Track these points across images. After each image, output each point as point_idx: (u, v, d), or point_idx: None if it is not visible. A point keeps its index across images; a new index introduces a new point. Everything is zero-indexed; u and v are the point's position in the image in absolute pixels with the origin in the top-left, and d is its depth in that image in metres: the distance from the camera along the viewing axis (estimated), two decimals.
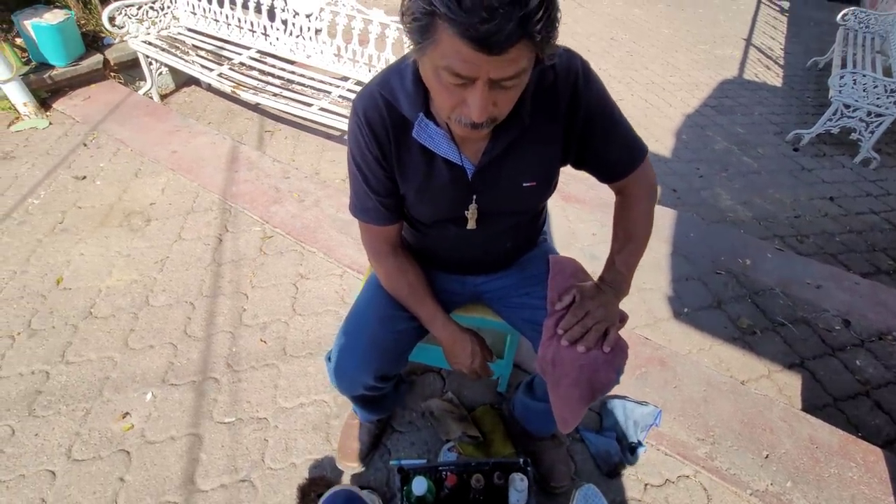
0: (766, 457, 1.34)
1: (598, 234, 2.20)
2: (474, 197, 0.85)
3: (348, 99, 2.61)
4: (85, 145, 2.42)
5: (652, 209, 0.95)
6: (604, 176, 0.90)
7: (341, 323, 1.00)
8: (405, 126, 0.78)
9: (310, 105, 2.49)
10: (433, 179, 0.83)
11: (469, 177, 0.82)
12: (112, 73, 2.97)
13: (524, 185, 0.84)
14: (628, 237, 0.93)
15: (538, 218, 1.07)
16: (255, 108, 3.05)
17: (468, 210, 0.87)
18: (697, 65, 4.59)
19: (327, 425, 1.38)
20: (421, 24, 0.57)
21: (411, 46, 0.63)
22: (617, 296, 0.90)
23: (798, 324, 1.96)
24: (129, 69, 3.05)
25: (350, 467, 1.27)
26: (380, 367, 0.95)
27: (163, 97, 3.12)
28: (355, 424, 1.29)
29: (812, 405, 1.67)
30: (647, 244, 0.95)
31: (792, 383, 1.74)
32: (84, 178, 2.23)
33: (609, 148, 0.85)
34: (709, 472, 1.31)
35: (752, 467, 1.32)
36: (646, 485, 1.30)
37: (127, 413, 1.38)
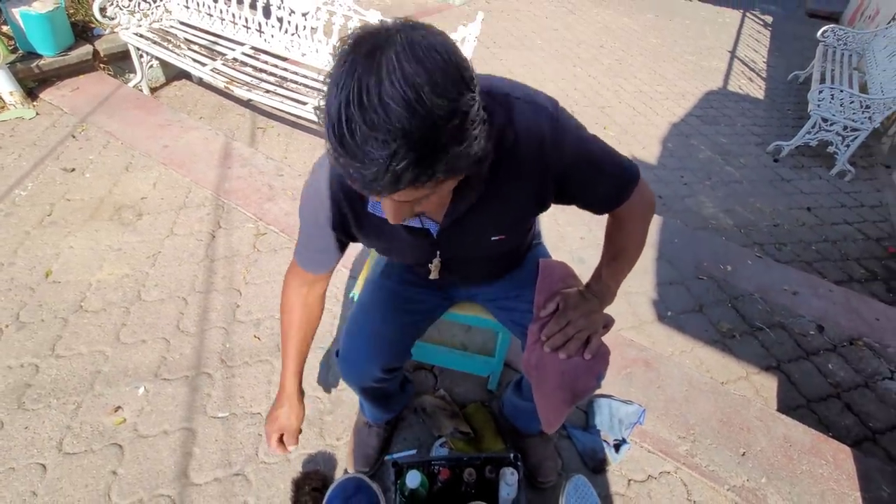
0: (743, 454, 1.40)
1: (586, 238, 2.25)
2: (438, 252, 0.85)
3: None
4: (73, 137, 2.39)
5: (646, 227, 0.92)
6: (596, 211, 0.86)
7: (347, 319, 1.03)
8: (361, 198, 0.76)
9: (304, 103, 2.50)
10: (395, 240, 0.82)
11: (434, 236, 0.80)
12: (101, 65, 2.93)
13: (492, 238, 0.83)
14: (619, 252, 0.92)
15: (521, 246, 1.05)
16: (247, 104, 3.04)
17: (431, 263, 0.88)
18: (684, 75, 4.71)
19: (321, 421, 1.40)
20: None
21: None
22: (601, 305, 0.91)
23: (775, 328, 2.04)
24: (119, 61, 3.01)
25: (362, 472, 1.27)
26: (386, 359, 0.99)
27: (153, 90, 3.09)
28: (365, 430, 1.32)
29: (787, 406, 1.75)
30: (638, 258, 0.95)
31: (768, 385, 1.81)
32: (73, 170, 2.20)
33: (595, 189, 0.81)
34: (689, 468, 1.36)
35: (729, 464, 1.38)
36: (629, 480, 1.35)
37: (119, 407, 1.38)
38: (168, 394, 1.42)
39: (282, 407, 0.96)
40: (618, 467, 1.36)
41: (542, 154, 0.70)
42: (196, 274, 1.79)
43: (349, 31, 0.53)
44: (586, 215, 2.37)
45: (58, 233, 1.88)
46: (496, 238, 0.83)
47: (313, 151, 2.70)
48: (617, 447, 1.39)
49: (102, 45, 2.90)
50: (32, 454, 1.26)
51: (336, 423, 1.40)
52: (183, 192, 2.15)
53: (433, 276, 0.89)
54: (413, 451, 1.33)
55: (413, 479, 1.05)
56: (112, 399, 1.39)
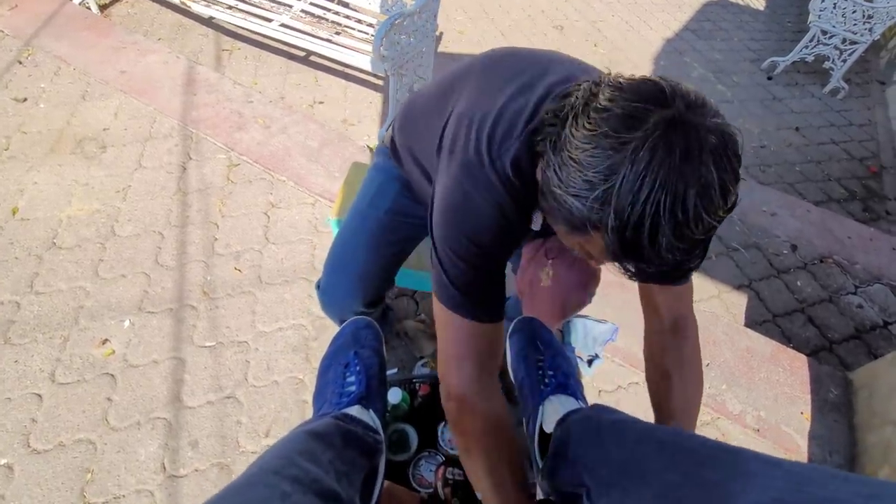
0: (707, 365, 1.50)
1: None
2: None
3: (312, 14, 2.42)
4: (20, 63, 2.20)
5: (698, 357, 0.77)
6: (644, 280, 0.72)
7: (327, 253, 1.02)
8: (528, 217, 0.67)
9: (270, 20, 2.30)
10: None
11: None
12: None
13: None
14: (692, 378, 0.75)
15: None
16: (210, 22, 2.79)
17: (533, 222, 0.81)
18: None
19: (307, 346, 1.45)
20: (575, 227, 0.49)
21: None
22: None
23: (750, 248, 2.09)
24: None
25: None
26: (368, 293, 0.99)
27: (102, 8, 2.80)
28: None
29: (753, 321, 1.84)
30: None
31: (738, 302, 1.90)
32: (25, 100, 2.05)
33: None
34: None
35: None
36: (600, 391, 1.44)
37: (106, 339, 1.40)
38: (154, 326, 1.45)
39: None
40: (590, 380, 1.45)
41: None
42: (170, 208, 1.75)
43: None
44: None
45: (19, 168, 1.79)
46: None
47: (284, 76, 2.54)
48: (589, 362, 1.47)
49: None
50: (26, 385, 1.30)
51: (321, 349, 1.45)
52: (147, 122, 2.03)
53: (535, 226, 0.77)
54: (395, 371, 1.40)
55: (394, 395, 1.11)
56: (98, 332, 1.42)
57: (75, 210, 1.70)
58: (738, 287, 1.94)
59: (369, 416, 0.75)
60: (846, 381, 1.52)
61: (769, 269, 2.04)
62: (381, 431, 0.73)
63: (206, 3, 2.34)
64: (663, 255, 0.44)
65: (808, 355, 1.60)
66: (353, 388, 0.78)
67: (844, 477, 0.35)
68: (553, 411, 0.71)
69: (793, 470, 0.38)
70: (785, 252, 2.11)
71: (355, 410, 0.74)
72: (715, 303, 1.87)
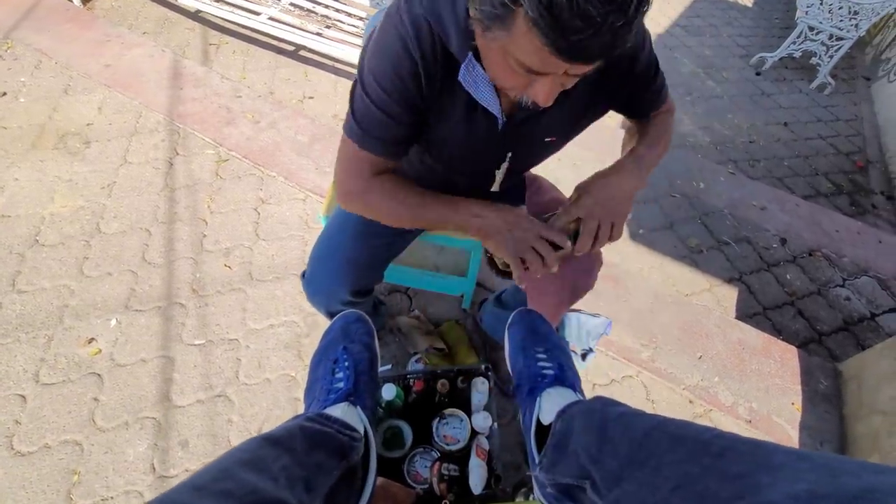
0: (700, 357, 1.51)
1: (562, 159, 2.21)
2: (508, 155, 0.79)
3: (301, 7, 2.39)
4: None
5: (671, 127, 0.90)
6: (637, 114, 0.87)
7: (314, 242, 1.00)
8: (451, 64, 0.66)
9: (258, 14, 2.26)
10: (470, 128, 0.74)
11: (499, 128, 0.74)
12: None
13: (545, 139, 0.79)
14: (654, 140, 0.85)
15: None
16: (196, 16, 2.74)
17: (499, 169, 0.82)
18: None
19: (299, 343, 1.43)
20: (496, 14, 0.49)
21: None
22: (636, 178, 0.78)
23: (741, 242, 2.11)
24: None
25: None
26: (355, 280, 0.96)
27: (85, 1, 2.73)
28: None
29: (744, 314, 1.85)
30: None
31: (729, 295, 1.91)
32: (4, 94, 2.00)
33: (644, 97, 0.81)
34: (649, 371, 1.46)
35: (686, 367, 1.48)
36: (594, 384, 1.45)
37: (92, 339, 1.37)
38: (141, 324, 1.42)
39: (491, 218, 0.75)
40: (583, 373, 1.45)
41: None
42: (157, 204, 1.72)
43: None
44: (573, 154, 2.32)
45: None
46: (548, 139, 0.79)
47: (274, 70, 2.50)
48: (584, 356, 1.47)
49: None
50: (9, 386, 1.26)
51: (313, 345, 1.41)
52: (133, 117, 1.99)
53: (495, 187, 0.84)
54: (389, 367, 1.38)
55: (388, 391, 1.10)
56: (84, 331, 1.38)
57: (58, 207, 1.66)
58: (730, 280, 1.96)
59: (355, 413, 0.74)
60: (836, 372, 1.53)
61: (759, 262, 2.05)
62: (361, 428, 0.72)
63: None
64: (583, 7, 0.44)
65: (798, 347, 1.61)
66: (341, 384, 0.77)
67: (875, 468, 0.35)
68: (551, 403, 0.71)
69: (822, 462, 0.37)
70: (775, 246, 2.13)
71: (340, 408, 0.73)
72: (706, 296, 1.88)
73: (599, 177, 0.77)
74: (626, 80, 0.75)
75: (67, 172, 1.76)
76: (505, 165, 0.81)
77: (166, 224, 1.66)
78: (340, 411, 0.71)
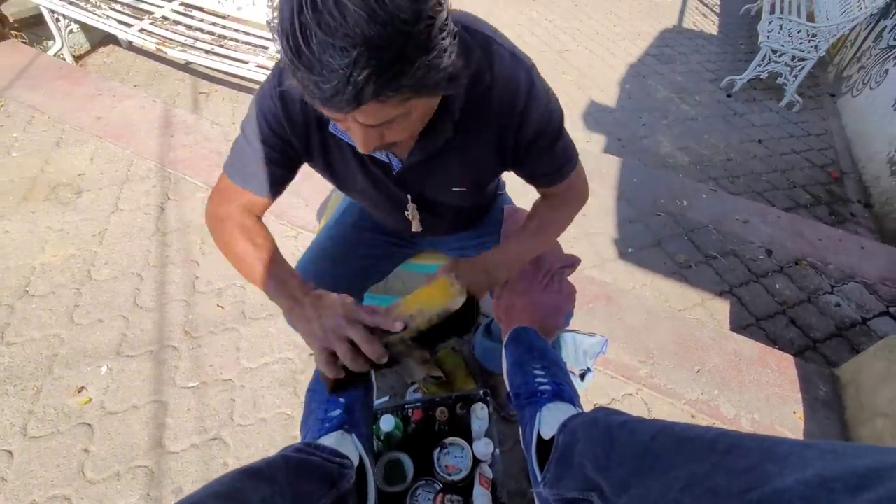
0: (698, 371, 1.50)
1: None
2: (409, 196, 0.80)
3: None
4: None
5: (571, 215, 0.87)
6: (536, 183, 0.84)
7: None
8: (324, 119, 0.68)
9: (245, 62, 2.35)
10: (367, 173, 0.76)
11: (395, 173, 0.75)
12: (13, 32, 2.65)
13: (454, 189, 0.79)
14: (538, 228, 0.84)
15: (484, 204, 1.04)
16: (186, 67, 2.84)
17: (407, 211, 0.83)
18: (639, 14, 4.65)
19: (294, 380, 1.41)
20: (285, 61, 0.47)
21: None
22: (492, 274, 0.79)
23: (728, 255, 2.15)
24: (34, 27, 2.74)
25: None
26: None
27: (77, 58, 2.83)
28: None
29: (738, 326, 1.87)
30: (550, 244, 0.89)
31: (722, 308, 1.93)
32: None
33: (544, 161, 0.77)
34: (649, 388, 1.46)
35: (685, 381, 1.48)
36: (594, 404, 1.43)
37: (83, 387, 1.34)
38: (133, 370, 1.40)
39: (304, 305, 0.68)
40: (583, 394, 1.44)
41: (513, 109, 0.66)
42: (149, 248, 1.72)
43: None
44: None
45: None
46: (458, 189, 0.79)
47: None
48: (582, 376, 1.46)
49: (11, 10, 2.62)
50: None
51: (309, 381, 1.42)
52: (124, 165, 2.02)
53: (415, 227, 0.84)
54: (386, 398, 1.36)
55: (387, 422, 1.08)
56: (74, 381, 1.36)
57: (49, 256, 1.66)
58: (720, 294, 1.98)
59: (349, 441, 0.73)
60: (833, 378, 1.54)
61: (748, 274, 2.09)
62: (356, 456, 0.71)
63: (181, 48, 2.39)
64: (320, 56, 0.42)
65: (794, 355, 1.62)
66: (335, 412, 0.76)
67: (880, 448, 0.36)
68: (551, 418, 0.71)
69: (828, 448, 0.38)
70: (761, 257, 2.17)
71: (333, 437, 0.72)
72: (699, 310, 1.90)
73: (465, 261, 0.79)
74: (517, 141, 0.71)
75: (59, 222, 1.77)
76: (412, 207, 0.81)
77: (158, 268, 1.66)
78: (333, 440, 0.71)
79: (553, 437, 0.67)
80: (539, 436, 0.71)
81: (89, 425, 1.28)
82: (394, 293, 1.42)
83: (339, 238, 1.03)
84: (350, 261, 0.99)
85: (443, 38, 0.47)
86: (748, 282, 2.06)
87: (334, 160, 0.75)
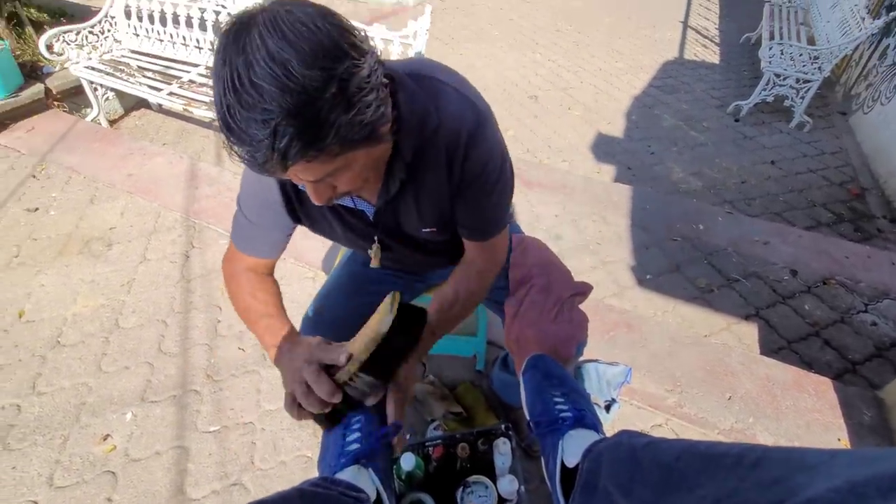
0: (729, 398, 1.44)
1: (560, 216, 2.28)
2: (375, 238, 0.83)
3: None
4: (34, 177, 2.35)
5: (486, 282, 0.87)
6: (459, 231, 0.83)
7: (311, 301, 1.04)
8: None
9: None
10: (333, 221, 0.81)
11: (369, 218, 0.78)
12: (56, 102, 2.88)
13: (423, 230, 0.80)
14: (450, 302, 0.85)
15: (458, 244, 1.07)
16: (211, 125, 3.02)
17: (371, 249, 0.85)
18: (640, 49, 4.80)
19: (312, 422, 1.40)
20: None
21: None
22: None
23: (750, 278, 2.10)
24: (74, 96, 2.98)
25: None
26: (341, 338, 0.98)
27: (112, 122, 3.05)
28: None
29: (769, 349, 1.79)
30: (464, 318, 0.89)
31: (749, 332, 1.86)
32: (36, 209, 2.16)
33: (472, 213, 0.77)
34: (679, 418, 1.40)
35: (717, 409, 1.41)
36: None
37: (108, 435, 1.36)
38: (157, 415, 1.41)
39: (283, 352, 0.76)
40: (610, 426, 1.39)
41: (458, 140, 0.68)
42: (174, 295, 1.78)
43: None
44: (559, 193, 2.42)
45: (27, 273, 1.85)
46: (427, 230, 0.80)
47: None
48: (607, 407, 1.41)
49: (54, 83, 2.86)
50: (23, 492, 1.23)
51: None
52: (152, 218, 2.13)
53: (374, 264, 0.87)
54: (407, 437, 1.34)
55: (408, 461, 1.06)
56: (99, 428, 1.38)
57: (80, 307, 1.72)
58: (746, 317, 1.92)
59: (366, 475, 0.72)
60: (878, 401, 1.45)
61: (773, 295, 2.02)
62: (373, 490, 0.69)
63: (206, 107, 2.55)
64: (246, 130, 0.47)
65: (832, 378, 1.54)
66: (353, 446, 0.76)
67: None
68: (574, 445, 0.69)
69: (858, 455, 0.37)
70: (786, 278, 2.11)
71: (349, 471, 0.71)
72: (725, 335, 1.84)
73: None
74: (462, 176, 0.71)
75: (90, 274, 1.85)
76: (376, 247, 0.85)
77: (182, 313, 1.71)
78: (350, 474, 0.70)
79: (577, 465, 0.65)
80: (563, 464, 0.69)
81: (113, 473, 1.28)
82: None
83: (351, 275, 1.06)
84: (362, 295, 1.01)
85: (364, 95, 0.50)
86: (775, 303, 1.99)
87: (314, 215, 0.81)
